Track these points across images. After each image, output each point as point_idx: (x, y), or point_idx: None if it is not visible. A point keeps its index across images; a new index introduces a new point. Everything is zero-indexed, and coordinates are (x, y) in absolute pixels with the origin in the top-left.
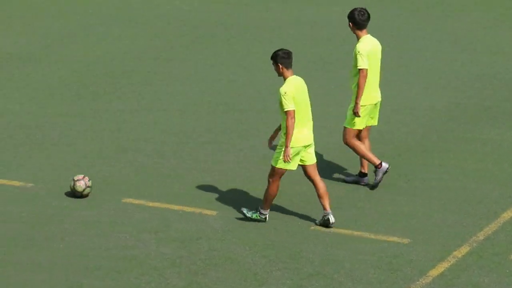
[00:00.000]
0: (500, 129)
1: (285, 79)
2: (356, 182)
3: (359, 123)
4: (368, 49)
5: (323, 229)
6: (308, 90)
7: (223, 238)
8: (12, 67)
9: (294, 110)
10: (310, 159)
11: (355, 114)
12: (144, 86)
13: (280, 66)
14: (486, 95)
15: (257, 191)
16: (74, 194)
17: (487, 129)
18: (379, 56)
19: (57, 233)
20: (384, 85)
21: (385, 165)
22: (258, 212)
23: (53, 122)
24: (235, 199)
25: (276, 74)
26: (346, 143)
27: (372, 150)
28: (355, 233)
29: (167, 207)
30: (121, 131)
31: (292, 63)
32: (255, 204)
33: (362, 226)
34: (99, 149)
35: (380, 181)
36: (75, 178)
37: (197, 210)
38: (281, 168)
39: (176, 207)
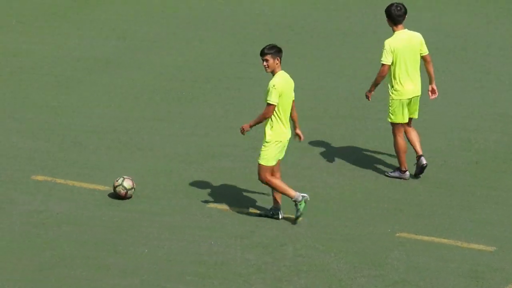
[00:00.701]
0: None
1: (274, 73)
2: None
3: (398, 118)
4: (396, 45)
5: (408, 235)
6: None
7: (308, 245)
8: (100, 71)
9: (275, 105)
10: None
11: (366, 97)
12: (231, 91)
13: (279, 60)
14: None
15: (345, 198)
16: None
17: None
18: (416, 49)
19: (142, 238)
20: (473, 91)
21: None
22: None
23: (140, 126)
24: (322, 206)
25: (265, 69)
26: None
27: (461, 157)
28: (440, 240)
29: (253, 212)
30: (208, 136)
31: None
32: (344, 213)
33: (448, 234)
34: (185, 153)
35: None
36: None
37: (285, 216)
38: (265, 165)
39: (255, 212)
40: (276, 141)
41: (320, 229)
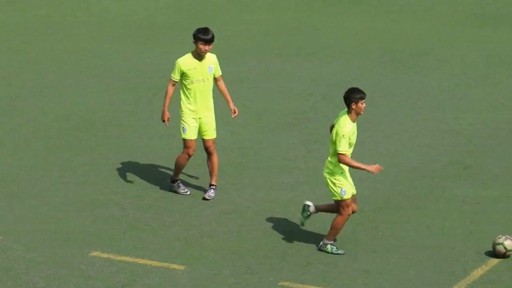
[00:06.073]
0: (479, 187)
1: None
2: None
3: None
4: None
5: (293, 285)
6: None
7: None
8: None
9: None
10: None
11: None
12: (122, 139)
13: None
14: (467, 153)
15: (225, 247)
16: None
17: (467, 186)
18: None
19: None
20: (362, 140)
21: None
22: None
23: (30, 174)
24: (210, 255)
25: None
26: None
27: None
28: None
29: (135, 261)
30: (98, 184)
31: None
32: (232, 261)
33: (335, 283)
34: (76, 201)
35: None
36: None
37: (165, 264)
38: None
39: (143, 261)
40: None
41: (203, 277)
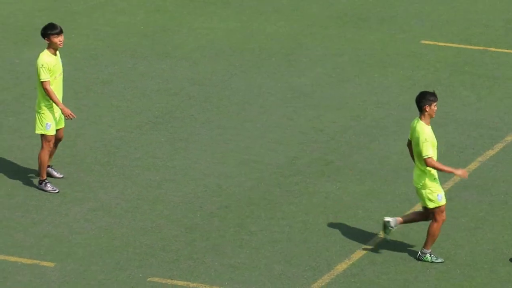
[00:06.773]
0: (342, 182)
1: None
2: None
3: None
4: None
5: (162, 280)
6: None
7: None
8: None
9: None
10: None
11: None
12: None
13: None
14: (329, 150)
15: (94, 243)
16: None
17: (330, 182)
18: None
19: None
20: (228, 138)
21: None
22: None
23: None
24: (73, 250)
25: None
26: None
27: (215, 202)
28: (197, 285)
29: (5, 258)
30: None
31: None
32: (94, 257)
33: (203, 278)
34: None
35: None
36: None
37: (35, 261)
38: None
39: (14, 259)
40: None
41: (73, 274)
